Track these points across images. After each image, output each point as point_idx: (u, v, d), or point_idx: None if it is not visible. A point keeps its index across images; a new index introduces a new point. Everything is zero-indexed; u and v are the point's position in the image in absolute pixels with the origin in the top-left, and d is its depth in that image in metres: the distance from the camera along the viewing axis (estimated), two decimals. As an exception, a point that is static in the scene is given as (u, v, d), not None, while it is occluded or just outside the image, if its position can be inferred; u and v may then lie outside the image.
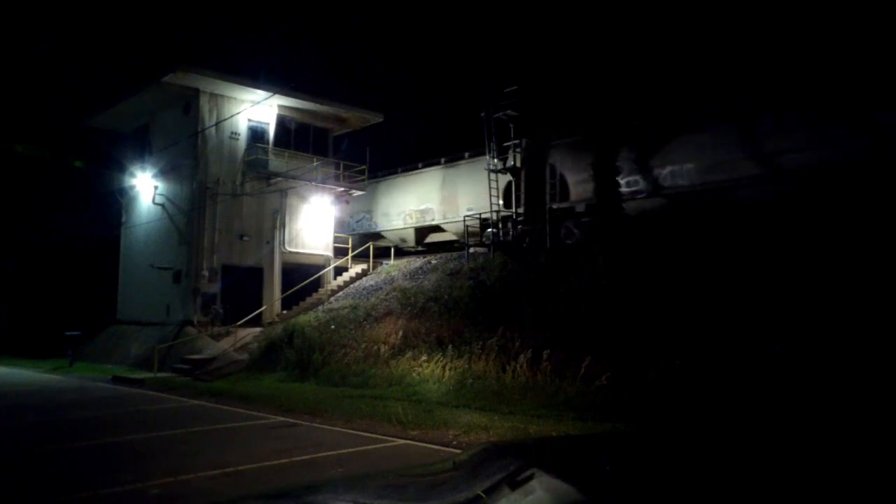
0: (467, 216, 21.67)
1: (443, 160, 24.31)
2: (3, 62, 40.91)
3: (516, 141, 20.46)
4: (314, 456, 7.98)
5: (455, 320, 15.67)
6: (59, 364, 21.21)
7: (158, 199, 23.22)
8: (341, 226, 25.83)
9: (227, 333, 20.35)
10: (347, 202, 25.62)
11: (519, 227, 20.01)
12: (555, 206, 19.41)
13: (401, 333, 15.98)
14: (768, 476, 1.62)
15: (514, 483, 1.67)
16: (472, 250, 20.67)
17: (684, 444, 2.25)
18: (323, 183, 24.12)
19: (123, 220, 25.82)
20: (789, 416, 8.66)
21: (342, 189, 24.70)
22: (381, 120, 25.97)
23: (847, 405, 8.34)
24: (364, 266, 24.08)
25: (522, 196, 20.11)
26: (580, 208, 18.60)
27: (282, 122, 23.71)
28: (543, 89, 21.20)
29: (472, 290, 17.09)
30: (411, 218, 24.78)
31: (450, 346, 14.22)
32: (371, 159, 24.60)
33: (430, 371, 13.79)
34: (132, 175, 24.45)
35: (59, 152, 30.50)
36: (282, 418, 10.95)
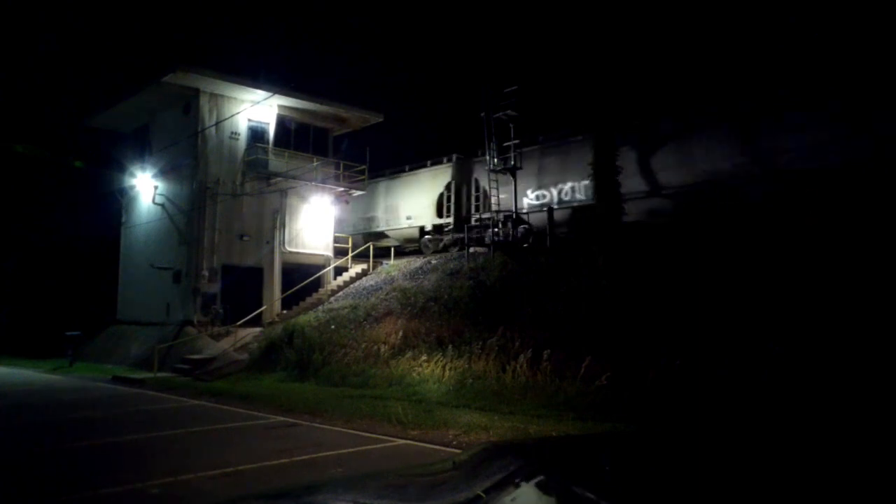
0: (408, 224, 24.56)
1: (387, 172, 25.91)
2: (3, 62, 40.91)
3: (516, 141, 20.48)
4: (314, 456, 7.98)
5: (455, 320, 15.67)
6: (60, 364, 21.21)
7: (158, 199, 23.22)
8: (341, 226, 25.87)
9: (227, 333, 20.34)
10: (347, 202, 25.63)
11: (494, 228, 20.99)
12: (478, 217, 22.03)
13: (401, 333, 15.98)
14: (768, 476, 1.62)
15: (514, 483, 1.67)
16: (472, 250, 20.70)
17: (684, 445, 2.25)
18: (323, 183, 24.12)
19: (123, 220, 25.82)
20: (789, 415, 8.66)
21: (342, 189, 24.70)
22: (381, 120, 25.97)
23: (847, 404, 8.34)
24: (364, 266, 24.08)
25: (452, 206, 22.97)
26: (499, 218, 20.92)
27: (282, 122, 23.71)
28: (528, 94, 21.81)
29: (472, 290, 17.10)
30: (360, 225, 26.12)
31: (450, 346, 14.21)
32: (371, 159, 24.66)
33: (430, 371, 13.79)
34: (132, 175, 24.46)
35: (59, 152, 30.52)
36: (282, 418, 10.95)
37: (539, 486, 1.62)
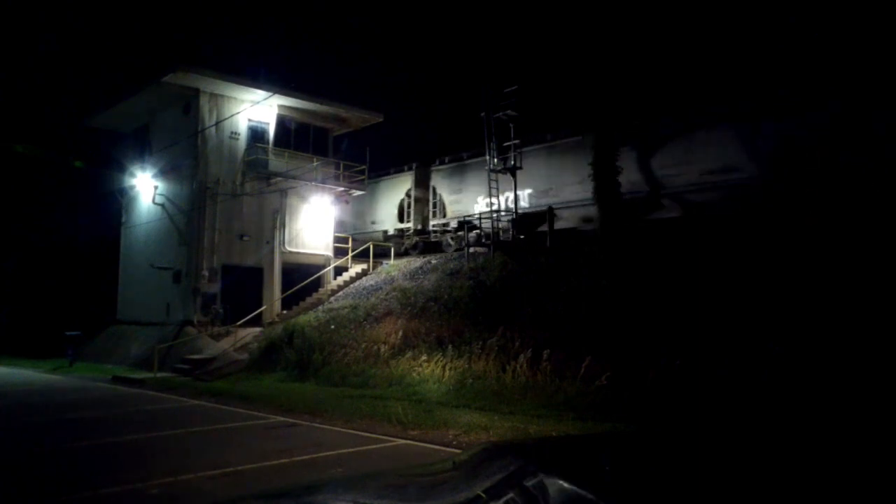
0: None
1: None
2: (3, 62, 40.91)
3: (516, 141, 20.49)
4: (314, 456, 7.98)
5: (455, 320, 15.67)
6: (60, 364, 21.21)
7: (158, 199, 23.22)
8: (341, 226, 25.87)
9: (227, 333, 20.34)
10: (347, 202, 25.64)
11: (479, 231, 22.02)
12: (435, 223, 24.06)
13: (401, 333, 15.97)
14: (767, 475, 1.62)
15: (514, 483, 1.67)
16: (472, 250, 20.71)
17: (684, 445, 2.25)
18: (323, 183, 24.11)
19: (123, 220, 25.82)
20: (789, 415, 8.66)
21: (342, 189, 24.71)
22: (380, 120, 25.97)
23: (846, 404, 8.35)
24: (364, 266, 24.08)
25: (412, 212, 24.67)
26: (454, 224, 22.95)
27: (282, 122, 23.70)
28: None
29: (472, 290, 17.09)
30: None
31: (450, 346, 14.21)
32: (371, 159, 24.67)
33: (430, 371, 13.79)
34: (132, 175, 24.46)
35: (59, 152, 30.52)
36: (282, 418, 10.95)
37: (539, 486, 1.62)
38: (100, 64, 45.55)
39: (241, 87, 22.11)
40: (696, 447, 2.15)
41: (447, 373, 13.45)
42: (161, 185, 23.30)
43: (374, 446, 8.64)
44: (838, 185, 14.06)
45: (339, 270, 24.32)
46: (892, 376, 8.59)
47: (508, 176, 20.41)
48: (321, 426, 10.21)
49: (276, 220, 23.07)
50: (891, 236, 11.44)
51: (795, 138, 15.10)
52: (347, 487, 2.04)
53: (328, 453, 8.17)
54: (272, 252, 22.91)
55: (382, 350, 15.62)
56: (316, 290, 23.21)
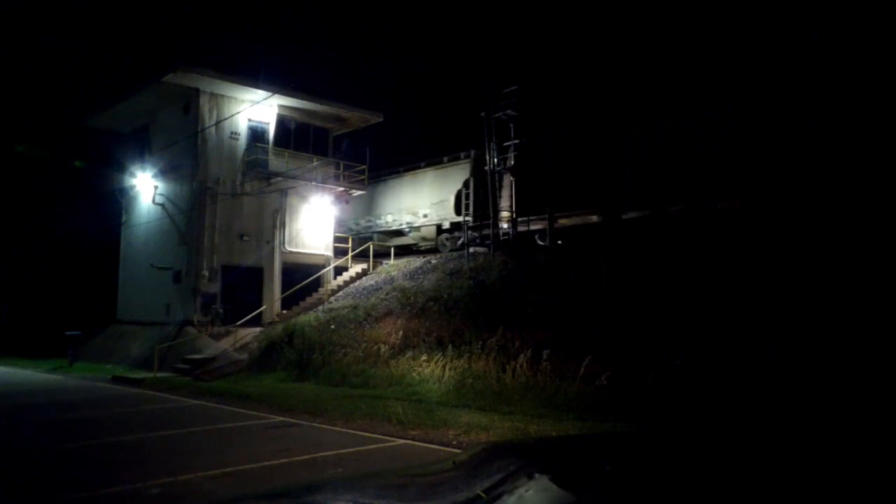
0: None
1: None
2: (3, 62, 40.87)
3: (516, 141, 20.50)
4: (314, 456, 7.98)
5: (455, 320, 15.67)
6: (59, 364, 21.20)
7: (158, 199, 23.22)
8: (341, 226, 25.88)
9: (227, 333, 20.34)
10: (347, 202, 25.63)
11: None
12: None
13: (401, 333, 15.98)
14: (768, 475, 1.62)
15: (514, 483, 1.67)
16: (472, 250, 20.71)
17: (684, 444, 2.25)
18: (323, 183, 24.11)
19: (123, 220, 25.82)
20: (788, 414, 8.67)
21: (342, 189, 24.70)
22: (381, 120, 25.95)
23: (844, 404, 8.36)
24: (364, 266, 24.08)
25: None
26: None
27: (282, 122, 23.69)
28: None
29: (472, 289, 17.10)
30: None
31: (450, 346, 14.21)
32: (371, 159, 24.68)
33: (430, 371, 13.79)
34: (132, 175, 24.45)
35: (59, 152, 30.52)
36: (282, 418, 10.95)
37: (539, 486, 1.62)
38: (100, 64, 45.52)
39: (241, 87, 22.10)
40: (696, 447, 2.15)
41: (447, 373, 13.45)
42: (161, 185, 23.30)
43: (374, 446, 8.65)
44: None
45: (339, 270, 24.32)
46: (877, 371, 8.61)
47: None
48: (321, 426, 10.21)
49: (276, 220, 23.08)
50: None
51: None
52: (347, 487, 2.04)
53: (328, 453, 8.18)
54: (272, 252, 22.92)
55: (382, 350, 15.63)
56: (316, 290, 23.22)
